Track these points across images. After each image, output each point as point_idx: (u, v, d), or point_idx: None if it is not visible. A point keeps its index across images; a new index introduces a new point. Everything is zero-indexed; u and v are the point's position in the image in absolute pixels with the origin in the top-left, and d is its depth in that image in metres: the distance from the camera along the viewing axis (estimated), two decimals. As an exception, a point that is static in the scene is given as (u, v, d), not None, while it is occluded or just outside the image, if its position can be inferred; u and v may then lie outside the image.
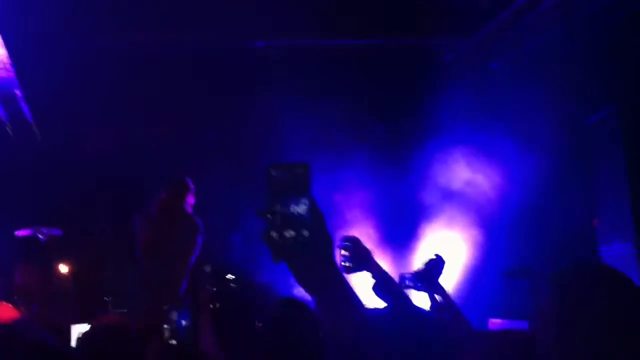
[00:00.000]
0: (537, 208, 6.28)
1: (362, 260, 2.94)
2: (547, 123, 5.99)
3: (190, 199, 4.29)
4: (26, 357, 1.44)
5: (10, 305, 5.59)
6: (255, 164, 7.01)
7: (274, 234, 1.34)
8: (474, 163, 6.89)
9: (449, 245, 6.97)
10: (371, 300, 2.95)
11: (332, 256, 1.40)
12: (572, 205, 6.12)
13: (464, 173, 6.98)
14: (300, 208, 1.35)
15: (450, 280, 6.90)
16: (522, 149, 6.26)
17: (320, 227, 1.38)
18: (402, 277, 3.70)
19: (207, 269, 5.34)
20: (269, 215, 1.34)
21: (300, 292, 1.49)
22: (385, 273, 2.92)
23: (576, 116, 6.12)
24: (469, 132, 6.83)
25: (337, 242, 3.02)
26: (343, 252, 2.95)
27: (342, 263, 2.93)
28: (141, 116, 7.52)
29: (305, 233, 1.34)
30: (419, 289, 3.64)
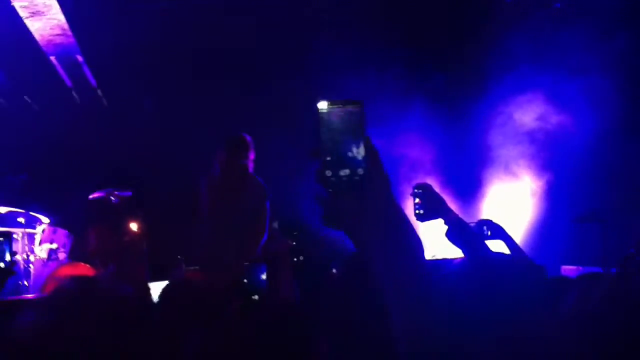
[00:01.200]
0: (605, 152, 6.10)
1: (435, 207, 2.90)
2: (614, 65, 5.76)
3: (251, 155, 4.31)
4: (109, 309, 1.47)
5: (88, 266, 5.81)
6: (312, 117, 6.95)
7: (328, 173, 1.28)
8: (538, 108, 6.71)
9: (516, 194, 6.86)
10: (445, 248, 2.93)
11: (391, 194, 1.34)
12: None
13: (528, 119, 6.81)
14: (355, 146, 1.29)
15: (519, 228, 6.82)
16: (588, 92, 6.06)
17: (376, 165, 1.32)
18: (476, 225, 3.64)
19: (275, 225, 5.38)
20: (322, 155, 1.28)
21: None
22: (460, 219, 2.87)
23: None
24: (531, 76, 6.63)
25: (409, 191, 2.99)
26: (416, 199, 2.92)
27: (415, 211, 2.91)
28: (202, 76, 7.56)
29: (361, 171, 1.28)
30: (488, 238, 3.58)
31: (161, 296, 2.22)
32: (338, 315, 1.96)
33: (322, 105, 1.31)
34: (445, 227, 2.88)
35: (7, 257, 3.49)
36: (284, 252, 2.52)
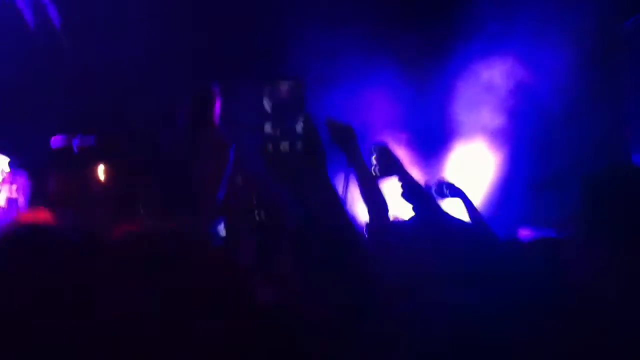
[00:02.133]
0: (568, 117, 6.19)
1: (390, 166, 2.95)
2: (580, 25, 5.81)
3: (217, 105, 4.30)
4: (55, 256, 1.48)
5: (47, 211, 5.76)
6: (279, 70, 6.93)
7: (269, 146, 1.33)
8: (502, 71, 6.76)
9: (477, 157, 6.94)
10: (400, 207, 2.97)
11: (325, 170, 1.40)
12: (603, 113, 6.01)
13: (492, 82, 6.85)
14: (295, 122, 1.34)
15: (479, 191, 6.92)
16: (553, 54, 6.11)
17: (314, 140, 1.37)
18: (432, 185, 3.70)
19: (238, 180, 5.39)
20: (264, 130, 1.33)
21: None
22: (414, 179, 2.93)
23: (612, 18, 5.92)
24: (500, 38, 6.66)
25: (368, 149, 3.02)
26: (373, 158, 2.96)
27: (373, 169, 2.95)
28: (170, 22, 7.42)
29: (299, 146, 1.33)
30: (446, 196, 3.64)
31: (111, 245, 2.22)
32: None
33: (266, 84, 1.34)
34: (401, 188, 2.93)
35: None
36: (243, 207, 2.53)
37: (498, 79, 6.79)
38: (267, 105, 1.18)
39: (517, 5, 6.62)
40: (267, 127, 1.18)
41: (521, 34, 6.36)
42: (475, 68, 6.84)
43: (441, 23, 7.18)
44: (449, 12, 6.97)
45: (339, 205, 1.41)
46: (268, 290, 1.90)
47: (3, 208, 6.73)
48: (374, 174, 2.93)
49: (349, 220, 1.44)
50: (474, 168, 7.05)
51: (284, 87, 1.19)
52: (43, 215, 5.67)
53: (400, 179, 2.95)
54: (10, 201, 6.79)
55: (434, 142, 7.41)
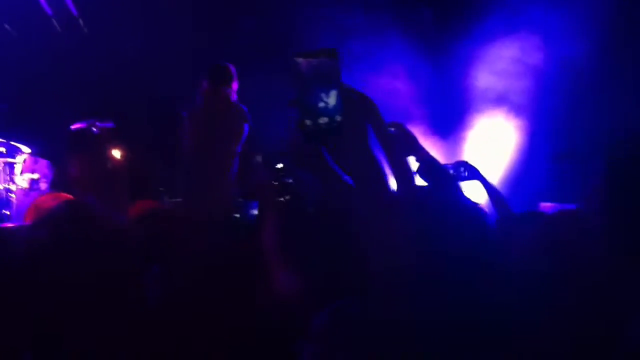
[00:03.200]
0: (586, 91, 6.12)
1: (407, 144, 2.91)
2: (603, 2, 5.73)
3: (234, 85, 4.28)
4: (102, 234, 1.49)
5: (69, 195, 5.81)
6: (294, 49, 6.88)
7: (308, 122, 1.32)
8: (521, 46, 6.68)
9: (496, 132, 6.89)
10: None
11: (367, 139, 1.40)
12: (623, 89, 5.93)
13: (511, 56, 6.78)
14: (331, 94, 1.31)
15: (499, 166, 6.88)
16: (573, 29, 6.03)
17: (353, 112, 1.36)
18: (450, 166, 3.66)
19: (259, 158, 5.39)
20: (300, 104, 1.31)
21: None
22: (431, 157, 2.89)
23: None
24: (517, 11, 6.57)
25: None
26: (387, 137, 2.93)
27: None
28: (187, 9, 7.43)
29: (338, 118, 1.31)
30: (465, 179, 3.60)
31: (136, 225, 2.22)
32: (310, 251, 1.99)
33: (298, 57, 1.32)
34: (417, 165, 2.91)
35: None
36: (267, 187, 2.51)
37: (517, 53, 6.72)
38: (300, 78, 1.17)
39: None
40: (303, 101, 1.17)
41: (542, 6, 6.28)
42: (493, 42, 6.76)
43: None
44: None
45: (385, 176, 1.41)
46: (289, 274, 1.91)
47: (27, 193, 6.82)
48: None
49: (391, 190, 1.44)
50: (493, 144, 7.00)
51: (318, 59, 1.18)
52: (65, 200, 5.73)
53: (417, 157, 2.92)
54: (33, 187, 6.88)
55: (452, 118, 7.35)
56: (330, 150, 1.38)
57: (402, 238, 1.38)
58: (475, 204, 1.95)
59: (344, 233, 1.73)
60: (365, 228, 1.40)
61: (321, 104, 1.29)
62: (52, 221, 1.52)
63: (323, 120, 1.30)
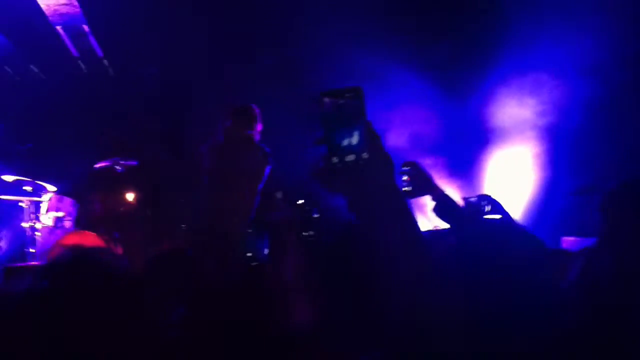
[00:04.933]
0: (605, 125, 6.10)
1: (422, 184, 2.90)
2: (618, 34, 5.75)
3: (258, 126, 4.33)
4: (101, 280, 1.50)
5: (93, 234, 5.89)
6: (315, 87, 6.92)
7: (334, 159, 1.36)
8: (541, 79, 6.69)
9: (517, 166, 6.86)
10: (433, 224, 2.94)
11: (393, 177, 1.42)
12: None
13: (531, 89, 6.78)
14: (357, 132, 1.36)
15: (520, 200, 6.84)
16: (594, 63, 6.04)
17: (379, 149, 1.39)
18: (467, 201, 3.64)
19: (279, 195, 5.42)
20: (326, 143, 1.36)
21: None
22: (447, 196, 2.89)
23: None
24: (534, 46, 6.59)
25: (397, 167, 2.98)
26: (404, 177, 2.92)
27: (403, 188, 2.90)
28: (207, 46, 7.55)
29: (365, 155, 1.35)
30: (487, 213, 3.57)
31: (150, 266, 2.24)
32: (332, 285, 1.99)
33: (323, 96, 1.37)
34: (433, 204, 2.90)
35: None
36: (288, 223, 2.53)
37: (534, 87, 6.73)
38: (326, 118, 1.22)
39: (550, 13, 6.56)
40: (329, 139, 1.22)
41: (557, 38, 6.30)
42: (510, 76, 6.78)
43: (474, 31, 7.14)
44: (481, 21, 6.92)
45: (412, 214, 1.42)
46: (307, 309, 1.91)
47: (51, 231, 6.91)
48: (405, 191, 2.89)
49: (419, 228, 1.45)
50: (514, 178, 6.97)
51: (344, 98, 1.23)
52: (89, 238, 5.81)
53: (432, 196, 2.91)
54: (58, 225, 6.97)
55: (473, 152, 7.34)
56: (357, 186, 1.42)
57: (434, 278, 1.39)
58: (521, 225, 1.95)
59: (368, 269, 1.74)
60: (391, 265, 1.42)
61: (347, 142, 1.34)
62: (53, 270, 1.54)
63: (350, 157, 1.34)
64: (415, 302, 1.35)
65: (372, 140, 1.37)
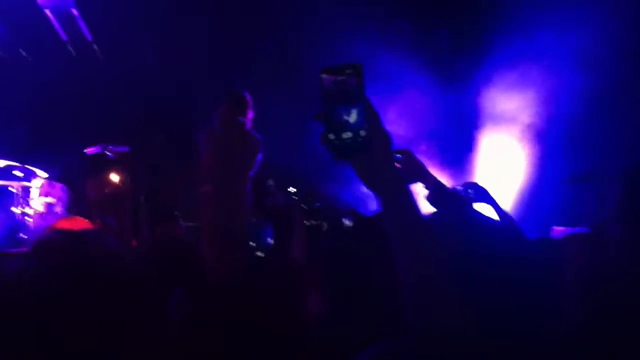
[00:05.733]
0: (603, 108, 6.11)
1: (415, 171, 2.89)
2: (618, 19, 5.76)
3: (249, 113, 4.31)
4: (92, 263, 1.49)
5: (85, 220, 5.86)
6: (313, 73, 6.91)
7: (331, 136, 1.36)
8: (536, 68, 6.69)
9: (509, 154, 6.87)
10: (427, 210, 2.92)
11: (392, 155, 1.41)
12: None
13: (525, 78, 6.79)
14: (356, 109, 1.36)
15: (511, 189, 6.86)
16: (589, 47, 6.05)
17: (377, 126, 1.39)
18: (453, 189, 3.63)
19: (271, 182, 5.39)
20: (325, 119, 1.36)
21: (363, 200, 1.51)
22: (440, 183, 2.88)
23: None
24: (529, 33, 6.59)
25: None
26: (396, 164, 2.90)
27: None
28: (198, 30, 7.50)
29: (363, 133, 1.35)
30: (474, 201, 3.57)
31: (148, 251, 2.23)
32: (344, 269, 1.99)
33: (323, 73, 1.37)
34: (426, 192, 2.88)
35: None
36: (293, 211, 2.52)
37: (532, 75, 6.72)
38: (325, 94, 1.22)
39: (548, 14, 6.55)
40: (327, 116, 1.22)
41: (554, 28, 6.29)
42: (508, 65, 6.78)
43: (471, 19, 7.12)
44: (481, 8, 6.90)
45: (412, 195, 1.43)
46: (315, 299, 1.91)
47: (43, 217, 6.87)
48: None
49: (419, 209, 1.45)
50: (506, 165, 6.99)
51: (343, 74, 1.22)
52: (80, 223, 5.78)
53: (425, 184, 2.90)
54: (49, 211, 6.93)
55: (464, 139, 7.35)
56: (355, 165, 1.42)
57: (435, 258, 1.39)
58: (493, 220, 1.95)
59: (377, 254, 1.73)
60: (395, 247, 1.42)
61: (345, 119, 1.34)
62: (42, 250, 1.51)
63: (347, 135, 1.34)
64: (423, 283, 1.36)
65: (371, 117, 1.37)
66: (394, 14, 6.80)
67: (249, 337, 1.64)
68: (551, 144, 6.69)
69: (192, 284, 1.80)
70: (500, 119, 7.07)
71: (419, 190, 2.90)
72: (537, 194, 6.66)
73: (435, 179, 2.91)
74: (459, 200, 3.09)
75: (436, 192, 2.86)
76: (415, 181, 2.89)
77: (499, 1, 6.63)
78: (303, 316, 1.86)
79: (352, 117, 1.36)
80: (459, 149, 7.30)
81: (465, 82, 7.18)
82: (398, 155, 2.92)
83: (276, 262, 2.23)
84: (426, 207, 2.92)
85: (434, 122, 7.34)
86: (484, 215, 2.30)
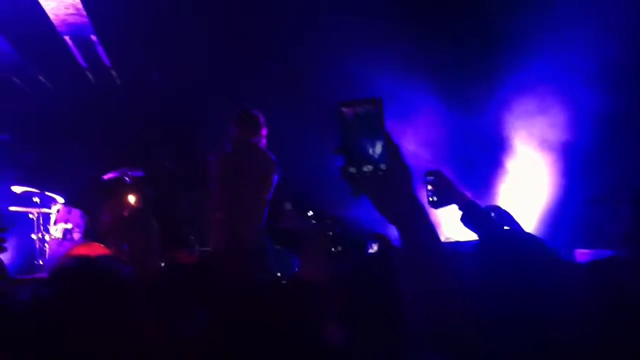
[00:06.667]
0: (617, 135, 6.05)
1: (447, 193, 2.83)
2: (631, 43, 5.72)
3: (263, 131, 4.29)
4: (106, 289, 1.49)
5: (102, 246, 5.85)
6: (322, 95, 6.96)
7: (352, 169, 1.35)
8: (553, 87, 6.64)
9: (530, 176, 6.80)
10: (461, 233, 2.86)
11: (412, 188, 1.40)
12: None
13: (542, 98, 6.73)
14: (376, 142, 1.35)
15: (533, 211, 6.77)
16: (604, 69, 6.00)
17: (397, 160, 1.38)
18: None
19: (288, 206, 5.37)
20: (345, 152, 1.35)
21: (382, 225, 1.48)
22: (473, 202, 2.81)
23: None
24: (546, 53, 6.54)
25: (420, 177, 2.92)
26: (428, 187, 2.84)
27: (429, 198, 2.81)
28: (215, 54, 7.55)
29: (383, 167, 1.34)
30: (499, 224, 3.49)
31: (153, 280, 2.22)
32: (358, 297, 1.96)
33: (343, 106, 1.37)
34: (460, 212, 2.82)
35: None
36: (320, 236, 2.48)
37: (545, 95, 6.67)
38: (345, 128, 1.21)
39: (561, 19, 6.51)
40: (348, 149, 1.21)
41: (572, 49, 6.25)
42: (521, 84, 6.73)
43: (482, 38, 7.09)
44: (488, 27, 6.87)
45: (432, 224, 1.41)
46: (339, 329, 1.88)
47: (60, 243, 6.89)
48: (430, 201, 2.81)
49: (440, 239, 1.44)
50: (526, 188, 6.92)
51: (363, 108, 1.22)
52: (96, 250, 5.77)
53: (459, 205, 2.84)
54: (66, 237, 6.95)
55: (481, 162, 7.28)
56: (374, 198, 1.40)
57: (457, 289, 1.37)
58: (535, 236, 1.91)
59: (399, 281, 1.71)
60: (413, 278, 1.40)
61: (366, 152, 1.32)
62: (57, 278, 1.53)
63: (367, 168, 1.32)
64: (437, 311, 1.34)
65: (391, 150, 1.36)
66: (398, 34, 6.79)
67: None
68: (570, 166, 6.62)
69: (211, 304, 1.78)
70: (520, 142, 7.00)
71: (453, 212, 2.84)
72: (558, 216, 6.57)
73: (468, 199, 2.85)
74: (491, 221, 3.02)
75: (470, 213, 2.80)
76: (448, 202, 2.82)
77: (516, 23, 6.61)
78: (320, 340, 1.83)
79: (373, 150, 1.35)
80: (478, 173, 7.23)
81: (483, 105, 7.13)
82: (430, 177, 2.86)
83: (295, 285, 2.19)
84: (460, 227, 2.85)
85: (450, 144, 7.29)
86: (514, 231, 2.25)
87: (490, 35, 6.88)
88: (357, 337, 1.84)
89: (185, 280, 2.29)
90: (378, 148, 1.34)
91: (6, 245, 3.48)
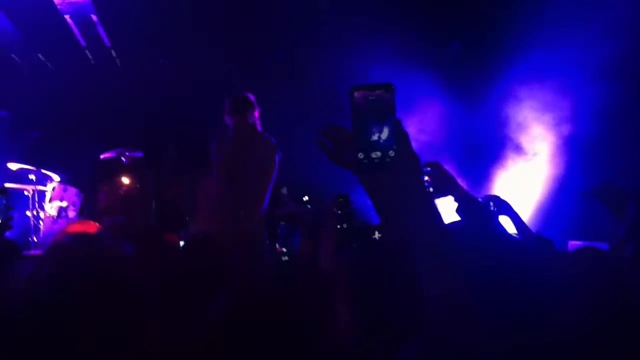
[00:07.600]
0: (621, 125, 6.07)
1: (445, 184, 2.86)
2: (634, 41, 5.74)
3: (256, 112, 4.29)
4: (105, 266, 1.48)
5: (97, 224, 5.85)
6: (326, 84, 6.96)
7: (361, 155, 1.34)
8: (554, 82, 6.65)
9: (528, 167, 6.83)
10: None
11: (420, 176, 1.40)
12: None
13: (543, 93, 6.75)
14: (386, 129, 1.35)
15: (529, 203, 6.80)
16: (608, 67, 6.02)
17: (406, 147, 1.38)
18: (483, 200, 3.59)
19: (284, 191, 5.37)
20: (356, 137, 1.35)
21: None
22: (469, 195, 2.84)
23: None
24: (549, 51, 6.55)
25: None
26: (426, 177, 2.88)
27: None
28: (215, 36, 7.52)
29: (392, 154, 1.34)
30: (495, 214, 3.52)
31: (180, 251, 2.21)
32: (369, 281, 1.97)
33: (354, 90, 1.36)
34: (456, 204, 2.85)
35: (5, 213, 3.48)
36: (329, 216, 2.48)
37: (547, 90, 6.69)
38: (355, 113, 1.21)
39: (566, 16, 6.51)
40: (358, 135, 1.21)
41: (574, 43, 6.25)
42: (524, 78, 6.74)
43: (489, 32, 7.08)
44: (495, 22, 6.87)
45: (438, 212, 1.41)
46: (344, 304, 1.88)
47: (55, 221, 6.88)
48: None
49: (445, 227, 1.44)
50: (524, 179, 6.95)
51: (375, 93, 1.21)
52: (92, 227, 5.77)
53: (455, 197, 2.87)
54: (62, 215, 6.95)
55: (483, 153, 7.30)
56: (379, 184, 1.41)
57: (456, 272, 1.38)
58: (516, 237, 1.93)
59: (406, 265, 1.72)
60: (421, 262, 1.41)
61: (376, 138, 1.32)
62: (54, 254, 1.51)
63: (376, 154, 1.32)
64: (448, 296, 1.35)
65: (401, 138, 1.36)
66: (406, 27, 6.78)
67: (275, 345, 1.61)
68: (570, 158, 6.64)
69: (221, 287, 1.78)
70: (520, 133, 7.02)
71: (450, 203, 2.86)
72: (555, 208, 6.60)
73: (464, 190, 2.88)
74: (486, 212, 3.05)
75: (466, 205, 2.83)
76: (445, 193, 2.85)
77: (519, 16, 6.60)
78: (328, 325, 1.83)
79: (383, 136, 1.34)
80: (478, 163, 7.25)
81: (485, 97, 7.14)
82: (427, 168, 2.89)
83: (301, 269, 2.20)
84: (454, 218, 2.87)
85: (449, 136, 7.31)
86: (507, 232, 2.27)
87: (491, 29, 6.89)
88: (363, 321, 1.86)
89: (178, 263, 2.29)
90: (389, 133, 1.33)
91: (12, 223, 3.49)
